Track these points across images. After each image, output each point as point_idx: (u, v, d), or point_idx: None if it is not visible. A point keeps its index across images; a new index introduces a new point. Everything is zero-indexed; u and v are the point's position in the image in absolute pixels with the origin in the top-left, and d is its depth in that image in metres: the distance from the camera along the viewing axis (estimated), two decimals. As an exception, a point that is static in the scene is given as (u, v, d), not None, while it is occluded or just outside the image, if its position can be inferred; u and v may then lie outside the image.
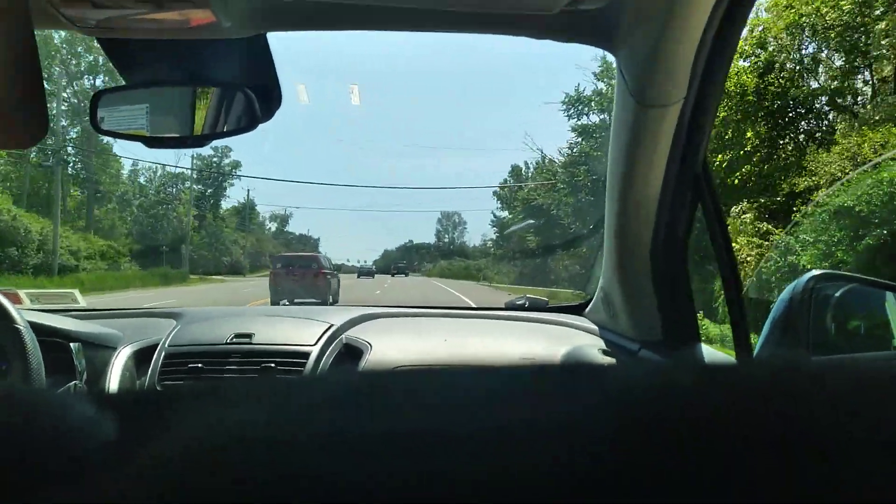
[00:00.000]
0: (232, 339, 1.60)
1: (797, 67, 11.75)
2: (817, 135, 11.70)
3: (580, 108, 21.73)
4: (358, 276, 41.03)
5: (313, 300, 13.51)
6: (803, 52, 11.84)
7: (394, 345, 1.63)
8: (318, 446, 0.22)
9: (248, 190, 59.89)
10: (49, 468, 0.21)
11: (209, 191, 47.27)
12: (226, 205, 53.50)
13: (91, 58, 31.99)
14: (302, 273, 15.46)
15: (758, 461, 0.21)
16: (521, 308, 1.99)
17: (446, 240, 69.84)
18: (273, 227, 61.49)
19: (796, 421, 0.22)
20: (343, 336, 1.66)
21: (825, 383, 0.26)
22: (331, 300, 14.99)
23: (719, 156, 10.97)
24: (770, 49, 11.56)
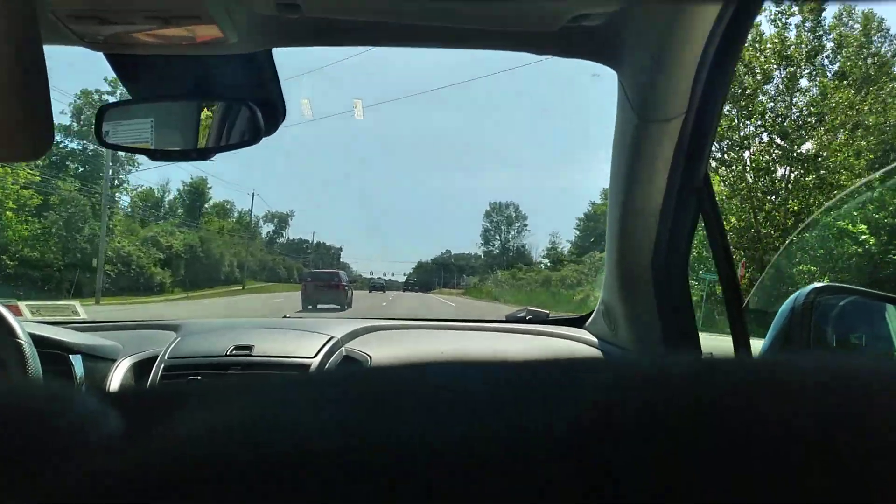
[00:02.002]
0: (232, 351, 1.59)
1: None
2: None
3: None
4: (370, 291, 37.47)
5: (334, 305, 18.78)
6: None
7: (393, 357, 1.64)
8: (321, 444, 0.22)
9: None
10: (53, 461, 0.22)
11: (85, 148, 27.61)
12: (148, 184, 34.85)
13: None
14: (326, 285, 20.59)
15: (752, 454, 0.21)
16: (522, 320, 2.00)
17: (498, 241, 48.90)
18: (269, 228, 48.31)
19: (792, 417, 0.23)
20: (343, 348, 1.67)
21: (820, 380, 0.26)
22: (347, 306, 19.73)
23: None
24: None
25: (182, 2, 0.85)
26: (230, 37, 0.95)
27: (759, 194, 12.21)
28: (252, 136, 1.18)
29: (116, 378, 1.56)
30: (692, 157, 1.17)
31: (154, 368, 1.57)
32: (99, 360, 1.59)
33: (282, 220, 50.18)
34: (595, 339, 1.67)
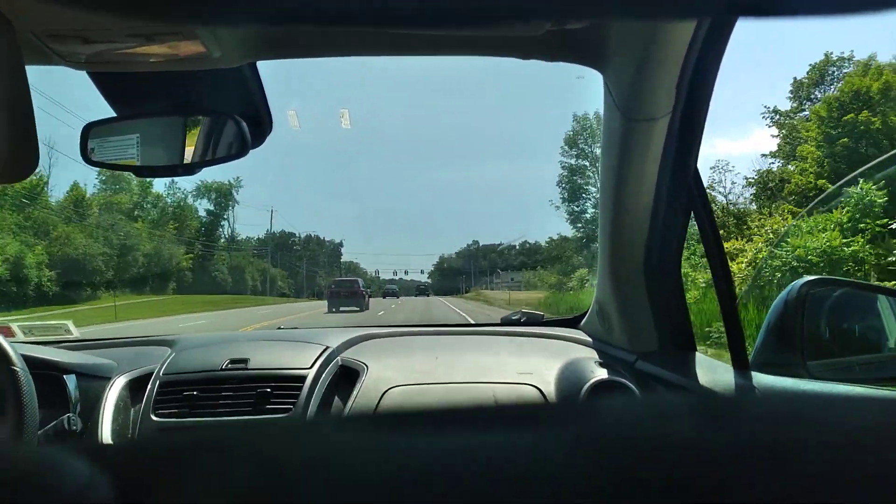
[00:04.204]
0: (227, 365, 1.58)
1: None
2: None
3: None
4: (384, 297, 35.06)
5: (354, 307, 22.62)
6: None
7: (390, 365, 1.63)
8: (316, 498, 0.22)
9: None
10: None
11: None
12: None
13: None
14: (347, 290, 24.81)
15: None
16: (517, 322, 2.00)
17: (586, 198, 28.13)
18: (205, 206, 31.00)
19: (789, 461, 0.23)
20: (339, 358, 1.66)
21: (820, 419, 0.26)
22: (365, 308, 23.28)
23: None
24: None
25: (164, 19, 0.85)
26: (213, 51, 0.94)
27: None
28: (239, 149, 1.17)
29: (111, 397, 1.54)
30: (681, 155, 1.17)
31: (150, 385, 1.56)
32: (94, 379, 1.58)
33: (222, 195, 31.17)
34: (590, 339, 1.67)
